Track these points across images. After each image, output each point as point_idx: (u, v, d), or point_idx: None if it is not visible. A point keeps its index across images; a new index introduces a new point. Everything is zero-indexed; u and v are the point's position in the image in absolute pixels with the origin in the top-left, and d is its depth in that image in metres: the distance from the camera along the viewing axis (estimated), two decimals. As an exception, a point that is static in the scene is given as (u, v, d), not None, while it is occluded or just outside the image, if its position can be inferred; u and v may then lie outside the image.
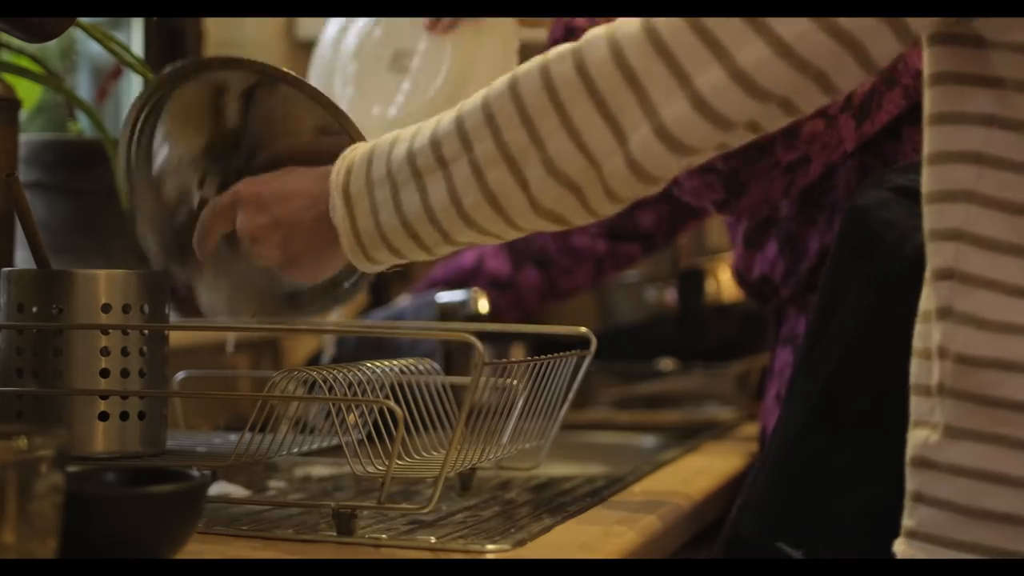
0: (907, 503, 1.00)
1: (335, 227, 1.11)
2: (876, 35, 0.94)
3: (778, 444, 1.36)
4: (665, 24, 0.97)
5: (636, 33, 0.98)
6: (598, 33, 1.01)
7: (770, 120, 0.99)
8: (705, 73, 0.96)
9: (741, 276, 1.70)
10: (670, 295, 2.26)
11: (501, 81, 1.04)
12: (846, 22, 0.93)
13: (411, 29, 1.53)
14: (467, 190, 1.04)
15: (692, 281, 2.24)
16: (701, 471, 1.57)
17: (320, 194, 1.11)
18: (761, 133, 1.01)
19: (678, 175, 1.04)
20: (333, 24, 1.63)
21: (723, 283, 2.22)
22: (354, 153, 1.11)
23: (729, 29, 0.95)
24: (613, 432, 2.01)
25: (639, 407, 2.17)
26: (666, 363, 2.23)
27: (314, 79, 1.57)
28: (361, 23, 1.58)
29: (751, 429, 1.89)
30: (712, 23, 0.95)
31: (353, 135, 1.21)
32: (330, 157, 1.13)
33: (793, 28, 0.94)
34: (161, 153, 1.29)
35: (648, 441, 1.91)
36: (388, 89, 1.54)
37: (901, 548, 1.00)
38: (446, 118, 1.06)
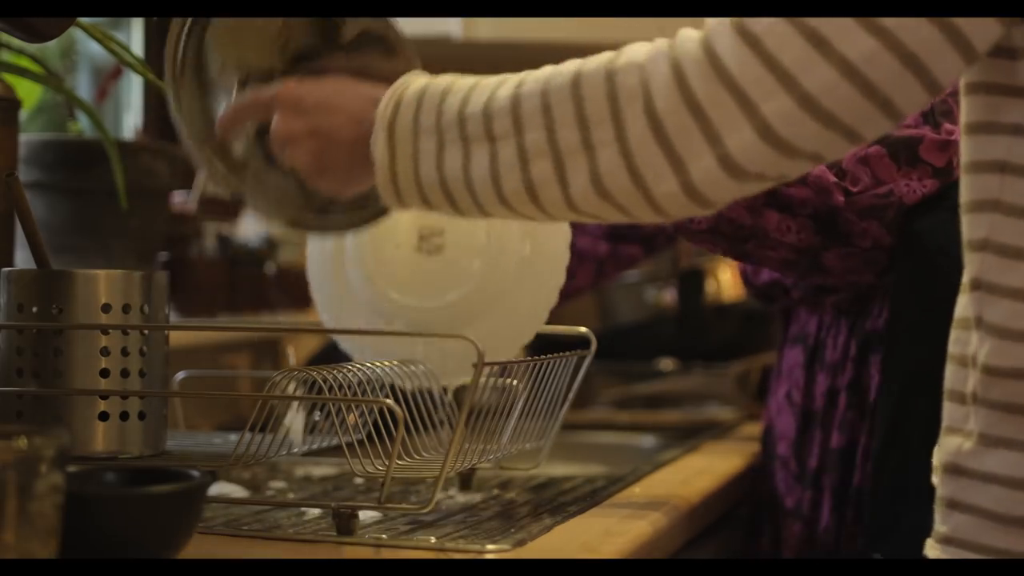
0: (939, 509, 1.00)
1: (372, 156, 1.08)
2: (941, 54, 0.91)
3: (872, 465, 1.43)
4: (727, 49, 0.94)
5: (698, 57, 0.95)
6: (662, 51, 0.97)
7: (833, 150, 0.96)
8: (772, 100, 0.93)
9: (747, 279, 1.70)
10: (670, 295, 2.26)
11: (565, 71, 1.01)
12: (911, 42, 0.90)
13: None
14: (509, 173, 1.02)
15: (692, 281, 2.24)
16: (701, 471, 1.57)
17: (364, 117, 1.08)
18: (821, 163, 0.98)
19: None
20: None
21: (723, 283, 2.22)
22: (405, 88, 1.08)
23: (794, 54, 0.92)
24: (613, 432, 2.01)
25: (639, 407, 2.17)
26: (666, 363, 2.23)
27: None
28: None
29: (751, 429, 1.89)
30: (775, 48, 0.92)
31: (409, 58, 1.20)
32: (380, 80, 1.11)
33: (859, 49, 0.91)
34: (209, 63, 1.27)
35: (648, 441, 1.91)
36: None
37: (934, 554, 1.00)
38: (504, 90, 1.03)
